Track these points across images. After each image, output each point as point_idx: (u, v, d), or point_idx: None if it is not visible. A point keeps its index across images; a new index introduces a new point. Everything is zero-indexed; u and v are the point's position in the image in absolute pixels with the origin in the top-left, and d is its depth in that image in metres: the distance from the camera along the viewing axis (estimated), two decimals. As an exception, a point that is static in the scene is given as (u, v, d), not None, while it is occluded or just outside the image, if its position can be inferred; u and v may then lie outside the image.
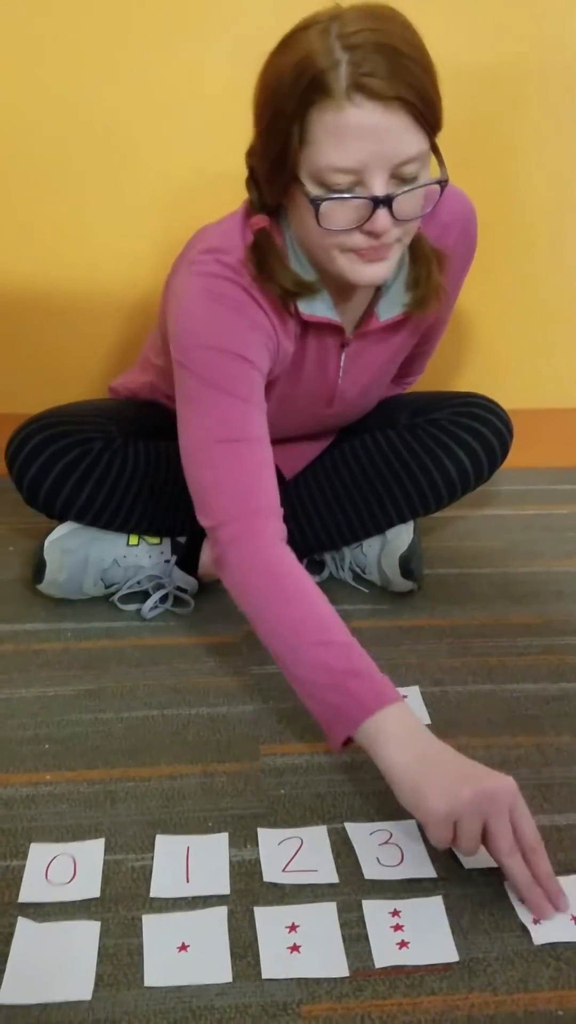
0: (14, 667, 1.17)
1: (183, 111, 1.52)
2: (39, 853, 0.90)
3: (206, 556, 1.27)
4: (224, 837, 0.92)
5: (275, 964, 0.79)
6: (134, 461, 1.23)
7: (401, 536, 1.30)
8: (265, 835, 0.92)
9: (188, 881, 0.87)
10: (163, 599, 1.28)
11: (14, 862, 0.89)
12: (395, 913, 0.84)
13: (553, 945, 0.81)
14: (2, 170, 1.55)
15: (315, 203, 0.93)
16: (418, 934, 0.82)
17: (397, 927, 0.82)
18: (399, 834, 0.92)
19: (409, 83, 0.88)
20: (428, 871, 0.88)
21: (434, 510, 1.30)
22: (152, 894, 0.86)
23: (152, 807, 0.96)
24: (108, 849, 0.90)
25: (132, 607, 1.28)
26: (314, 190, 0.93)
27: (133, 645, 1.21)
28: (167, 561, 1.28)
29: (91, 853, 0.90)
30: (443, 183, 0.97)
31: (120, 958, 0.80)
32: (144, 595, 1.28)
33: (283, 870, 0.88)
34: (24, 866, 0.88)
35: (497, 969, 0.79)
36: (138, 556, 1.28)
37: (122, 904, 0.85)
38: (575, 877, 0.86)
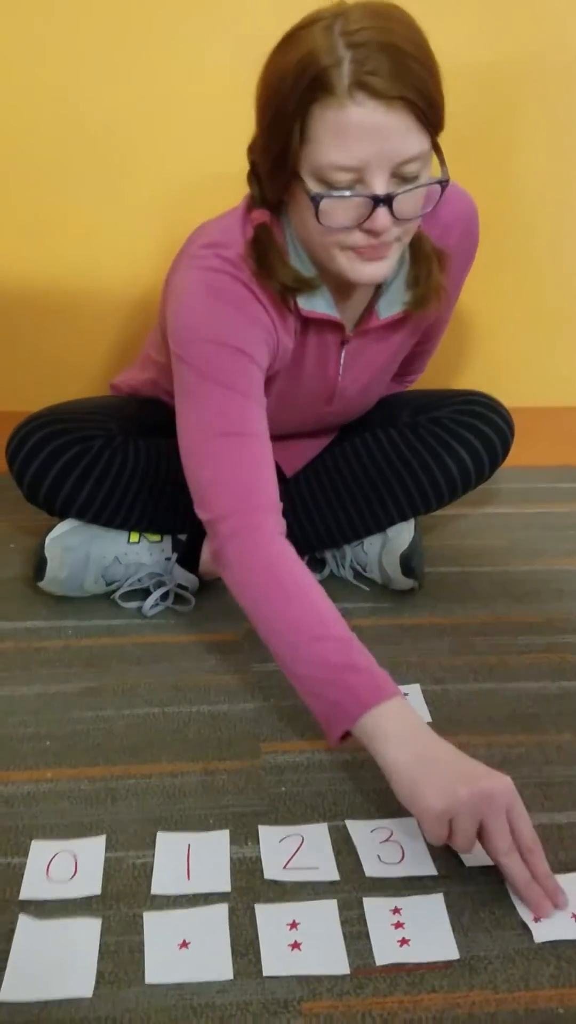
0: (15, 665, 1.17)
1: (183, 111, 1.52)
2: (40, 850, 0.90)
3: (207, 554, 1.27)
4: (225, 834, 0.92)
5: (276, 961, 0.79)
6: (134, 459, 1.22)
7: (402, 534, 1.30)
8: (266, 832, 0.92)
9: (189, 878, 0.87)
10: (164, 597, 1.28)
11: (15, 859, 0.89)
12: (396, 911, 0.84)
13: (554, 943, 0.81)
14: (2, 170, 1.55)
15: (315, 200, 0.93)
16: (419, 932, 0.82)
17: (398, 925, 0.82)
18: (400, 832, 0.92)
19: (412, 83, 0.87)
20: (429, 869, 0.88)
21: (435, 508, 1.30)
22: (153, 891, 0.86)
23: (153, 804, 0.96)
24: (109, 846, 0.90)
25: (133, 605, 1.28)
26: (315, 187, 0.93)
27: (134, 643, 1.21)
28: (168, 559, 1.28)
29: (92, 850, 0.90)
30: (444, 183, 0.96)
31: (121, 955, 0.80)
32: (145, 593, 1.29)
33: (284, 867, 0.88)
34: (25, 863, 0.88)
35: (498, 967, 0.79)
36: (139, 554, 1.28)
37: (123, 901, 0.85)
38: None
